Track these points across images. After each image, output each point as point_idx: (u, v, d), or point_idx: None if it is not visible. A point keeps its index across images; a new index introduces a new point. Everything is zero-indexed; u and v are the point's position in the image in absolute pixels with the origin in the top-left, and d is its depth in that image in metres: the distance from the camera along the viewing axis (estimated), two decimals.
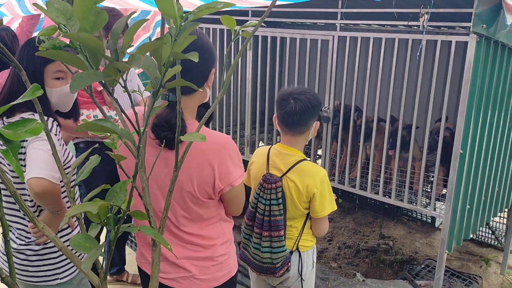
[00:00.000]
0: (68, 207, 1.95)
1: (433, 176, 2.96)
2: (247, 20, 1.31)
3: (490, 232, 4.76)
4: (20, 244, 1.95)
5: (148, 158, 1.54)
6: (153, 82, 0.89)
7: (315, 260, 2.43)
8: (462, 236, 3.09)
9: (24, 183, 1.87)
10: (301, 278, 2.35)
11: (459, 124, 2.66)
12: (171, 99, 1.57)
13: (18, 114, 1.91)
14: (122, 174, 1.75)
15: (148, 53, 0.85)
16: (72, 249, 1.78)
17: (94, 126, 0.84)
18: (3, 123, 1.94)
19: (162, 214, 1.14)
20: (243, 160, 2.39)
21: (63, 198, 1.93)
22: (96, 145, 1.76)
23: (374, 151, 3.24)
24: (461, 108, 2.63)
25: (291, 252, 2.33)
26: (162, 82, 0.87)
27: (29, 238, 1.95)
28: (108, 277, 3.62)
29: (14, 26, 3.95)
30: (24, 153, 1.82)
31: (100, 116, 2.92)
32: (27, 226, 1.95)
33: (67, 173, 1.80)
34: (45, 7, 0.79)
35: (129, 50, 4.16)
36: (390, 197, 3.12)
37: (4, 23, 3.93)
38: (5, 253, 1.99)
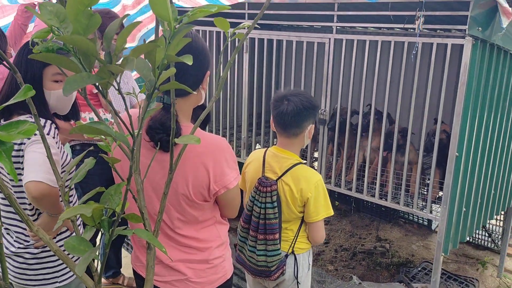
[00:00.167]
0: None
1: (429, 179, 2.97)
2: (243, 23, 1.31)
3: (487, 234, 4.77)
4: (18, 248, 1.94)
5: (143, 161, 1.54)
6: (147, 84, 0.89)
7: (311, 263, 2.43)
8: (459, 238, 3.09)
9: (22, 186, 1.86)
10: (297, 281, 2.35)
11: (455, 126, 2.66)
12: (166, 101, 1.57)
13: (16, 117, 1.90)
14: (116, 177, 1.74)
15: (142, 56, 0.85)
16: (67, 252, 1.78)
17: (88, 128, 0.84)
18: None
19: (157, 217, 1.14)
20: (240, 162, 2.39)
21: (61, 201, 1.93)
22: (91, 148, 1.75)
23: (371, 154, 3.24)
24: (457, 111, 2.64)
25: (286, 255, 2.32)
26: (156, 85, 0.87)
27: (28, 242, 1.94)
28: (104, 280, 3.61)
29: (8, 20, 3.90)
30: (22, 156, 1.81)
31: (96, 119, 2.91)
32: (26, 229, 1.94)
33: (62, 176, 1.79)
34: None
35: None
36: (386, 199, 3.12)
37: None
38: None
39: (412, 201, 3.03)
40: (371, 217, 5.32)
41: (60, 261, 1.99)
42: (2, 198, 1.97)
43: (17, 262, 1.94)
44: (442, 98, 2.74)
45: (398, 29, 3.72)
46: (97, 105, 3.05)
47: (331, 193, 5.44)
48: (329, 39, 3.15)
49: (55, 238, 1.97)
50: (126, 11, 4.21)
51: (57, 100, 1.99)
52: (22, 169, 1.81)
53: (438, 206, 2.98)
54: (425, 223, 5.13)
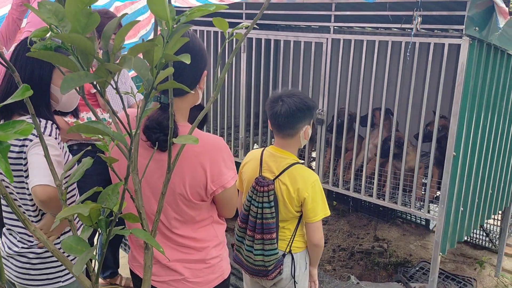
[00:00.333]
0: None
1: (426, 178, 2.97)
2: (241, 23, 1.31)
3: (484, 234, 4.78)
4: (22, 247, 1.94)
5: (140, 160, 1.54)
6: (145, 84, 0.88)
7: (308, 262, 2.43)
8: (456, 238, 3.10)
9: (24, 187, 1.85)
10: (294, 280, 2.35)
11: (452, 126, 2.67)
12: (163, 101, 1.57)
13: (16, 117, 1.89)
14: (113, 177, 1.74)
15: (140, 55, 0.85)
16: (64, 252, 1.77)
17: (85, 128, 0.84)
18: None
19: (155, 217, 1.13)
20: (237, 162, 2.39)
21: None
22: (89, 147, 1.74)
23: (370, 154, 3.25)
24: (454, 110, 2.64)
25: (284, 255, 2.32)
26: (154, 84, 0.87)
27: (32, 242, 1.93)
28: (102, 280, 3.60)
29: (2, 12, 3.82)
30: (25, 159, 1.80)
31: (94, 118, 2.91)
32: None
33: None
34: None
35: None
36: (384, 199, 3.12)
37: None
38: (4, 256, 1.97)
39: (409, 200, 3.03)
40: (369, 217, 5.33)
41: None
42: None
43: (20, 262, 1.93)
44: (439, 98, 2.75)
45: (395, 29, 3.72)
46: (95, 105, 3.04)
47: (329, 192, 5.45)
48: (327, 39, 3.15)
49: (59, 238, 1.96)
50: (119, 12, 4.21)
51: (68, 97, 1.99)
52: (25, 171, 1.80)
53: (435, 205, 2.99)
54: (423, 223, 5.14)
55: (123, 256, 3.86)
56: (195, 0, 3.60)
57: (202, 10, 0.88)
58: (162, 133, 1.54)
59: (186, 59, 0.88)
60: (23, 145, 1.79)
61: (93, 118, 2.95)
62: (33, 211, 1.90)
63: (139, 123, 0.92)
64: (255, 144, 3.95)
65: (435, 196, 3.12)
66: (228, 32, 1.15)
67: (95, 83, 0.83)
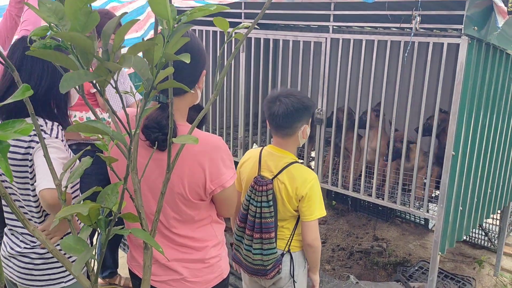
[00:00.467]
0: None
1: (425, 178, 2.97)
2: (240, 22, 1.31)
3: (483, 233, 4.78)
4: (24, 248, 1.93)
5: (139, 160, 1.54)
6: (145, 83, 0.88)
7: (307, 261, 2.43)
8: (455, 237, 3.10)
9: (28, 188, 1.84)
10: (293, 280, 2.35)
11: (451, 125, 2.67)
12: (162, 100, 1.57)
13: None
14: (112, 176, 1.74)
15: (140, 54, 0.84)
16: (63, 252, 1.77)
17: (85, 127, 0.84)
18: None
19: (154, 216, 1.13)
20: (236, 162, 2.39)
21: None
22: (88, 147, 1.74)
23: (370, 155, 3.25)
24: (453, 110, 2.64)
25: (282, 254, 2.32)
26: (154, 84, 0.87)
27: (35, 242, 1.93)
28: (101, 280, 3.60)
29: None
30: (31, 160, 1.79)
31: (93, 118, 2.90)
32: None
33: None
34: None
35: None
36: (383, 199, 3.12)
37: None
38: (6, 257, 1.97)
39: (409, 200, 3.03)
40: (368, 216, 5.33)
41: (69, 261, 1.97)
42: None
43: (23, 262, 1.93)
44: (438, 97, 2.75)
45: (394, 29, 3.72)
46: (94, 104, 3.04)
47: (328, 192, 5.45)
48: (326, 38, 3.15)
49: (62, 238, 1.95)
50: (116, 11, 4.20)
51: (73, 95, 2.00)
52: (30, 172, 1.79)
53: (434, 205, 2.99)
54: (422, 222, 5.14)
55: (122, 256, 3.86)
56: (194, 0, 3.60)
57: (203, 10, 0.88)
58: (161, 133, 1.54)
59: (186, 58, 0.88)
60: (29, 147, 1.78)
61: (93, 118, 2.94)
62: (37, 212, 1.89)
63: (138, 123, 0.92)
64: (254, 144, 3.94)
65: (432, 195, 3.12)
66: (229, 32, 1.15)
67: (94, 82, 0.83)
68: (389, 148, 3.01)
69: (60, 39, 0.82)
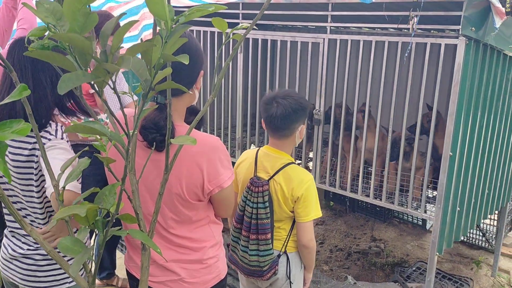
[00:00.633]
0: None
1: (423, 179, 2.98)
2: (238, 23, 1.31)
3: (481, 234, 4.79)
4: (28, 249, 1.92)
5: (137, 161, 1.53)
6: (143, 84, 0.88)
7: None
8: (453, 238, 3.11)
9: (32, 190, 1.83)
10: (290, 281, 2.35)
11: (448, 126, 2.67)
12: (160, 101, 1.57)
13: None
14: (110, 177, 1.73)
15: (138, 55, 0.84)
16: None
17: (83, 128, 0.84)
18: None
19: (152, 217, 1.13)
20: (234, 163, 2.39)
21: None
22: (86, 148, 1.73)
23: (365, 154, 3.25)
24: (451, 110, 2.65)
25: (279, 255, 2.32)
26: (152, 84, 0.87)
27: (38, 244, 1.92)
28: (98, 282, 3.59)
29: None
30: (37, 162, 1.78)
31: (91, 119, 2.89)
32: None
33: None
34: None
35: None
36: (381, 199, 3.13)
37: None
38: (7, 259, 1.95)
39: (406, 201, 3.04)
40: (366, 217, 5.34)
41: (71, 262, 1.96)
42: (12, 202, 1.93)
43: (26, 264, 1.91)
44: (436, 98, 2.75)
45: (392, 29, 3.73)
46: (92, 105, 3.03)
47: (326, 193, 5.46)
48: (323, 39, 3.15)
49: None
50: (113, 11, 4.19)
51: None
52: (36, 174, 1.78)
53: (432, 205, 2.99)
54: (420, 223, 5.14)
55: (119, 257, 3.85)
56: (189, 0, 3.59)
57: (201, 10, 0.88)
58: (159, 134, 1.54)
59: (185, 59, 0.88)
60: (34, 149, 1.77)
61: (91, 119, 2.93)
62: (41, 214, 1.88)
63: (136, 123, 0.92)
64: (252, 145, 3.94)
65: (428, 195, 3.13)
66: (227, 33, 1.15)
67: (92, 83, 0.83)
68: (388, 148, 3.02)
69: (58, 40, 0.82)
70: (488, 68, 2.92)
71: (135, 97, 3.08)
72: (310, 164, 3.67)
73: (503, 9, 2.53)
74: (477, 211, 3.39)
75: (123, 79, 3.46)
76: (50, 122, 1.84)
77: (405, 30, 2.90)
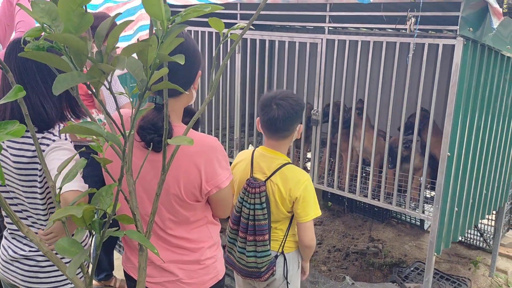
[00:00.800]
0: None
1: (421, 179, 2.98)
2: (235, 23, 1.31)
3: (479, 234, 4.79)
4: (30, 251, 1.91)
5: (134, 161, 1.53)
6: (139, 84, 0.88)
7: (300, 261, 2.42)
8: (451, 238, 3.11)
9: (35, 191, 1.82)
10: (287, 281, 2.34)
11: (446, 126, 2.67)
12: (158, 101, 1.56)
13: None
14: (107, 178, 1.73)
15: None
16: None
17: (79, 128, 0.83)
18: None
19: (149, 218, 1.13)
20: (231, 163, 2.38)
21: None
22: (83, 149, 1.73)
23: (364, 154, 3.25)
24: (449, 111, 2.65)
25: (276, 256, 2.32)
26: (148, 85, 0.86)
27: None
28: (96, 283, 3.58)
29: None
30: (39, 163, 1.77)
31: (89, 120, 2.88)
32: (36, 233, 1.89)
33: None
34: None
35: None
36: (379, 200, 3.13)
37: None
38: (7, 260, 1.94)
39: (404, 201, 3.04)
40: (364, 217, 5.34)
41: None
42: (10, 204, 1.92)
43: (27, 265, 1.90)
44: (434, 98, 2.75)
45: (390, 30, 3.73)
46: (91, 105, 3.02)
47: (324, 193, 5.46)
48: (322, 39, 3.15)
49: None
50: (111, 12, 4.19)
51: None
52: (40, 176, 1.78)
53: (430, 206, 2.99)
54: (418, 223, 5.15)
55: (117, 258, 3.85)
56: None
57: (197, 10, 0.88)
58: (157, 134, 1.53)
59: (181, 59, 0.88)
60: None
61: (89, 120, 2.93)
62: (44, 215, 1.87)
63: (133, 124, 0.92)
64: (250, 145, 3.94)
65: (426, 196, 3.13)
66: (224, 33, 1.15)
67: (88, 83, 0.82)
68: (385, 151, 3.02)
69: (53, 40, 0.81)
70: (486, 69, 2.93)
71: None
72: (308, 165, 3.67)
73: (501, 10, 2.53)
74: (475, 212, 3.39)
75: (117, 80, 3.46)
76: (59, 123, 1.85)
77: (403, 31, 2.90)
